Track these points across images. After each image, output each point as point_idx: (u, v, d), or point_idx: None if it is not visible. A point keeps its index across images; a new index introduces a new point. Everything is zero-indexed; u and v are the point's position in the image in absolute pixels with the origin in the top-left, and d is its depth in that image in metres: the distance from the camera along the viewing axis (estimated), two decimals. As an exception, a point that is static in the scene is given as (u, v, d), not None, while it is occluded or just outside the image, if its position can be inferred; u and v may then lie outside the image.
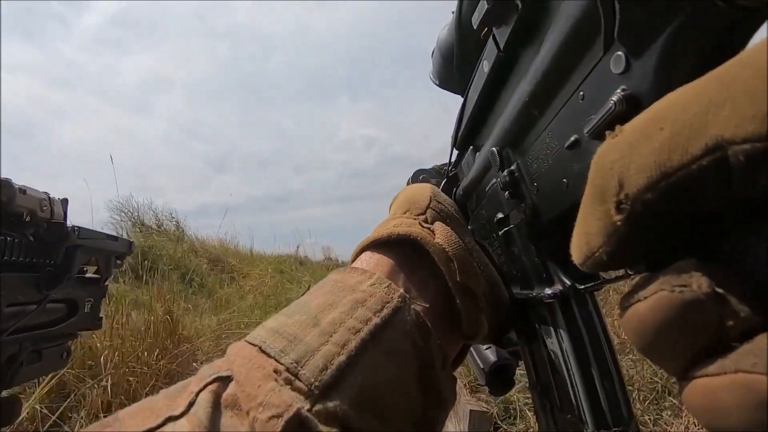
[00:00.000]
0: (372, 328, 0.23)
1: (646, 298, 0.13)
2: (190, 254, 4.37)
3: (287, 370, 0.21)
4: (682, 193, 0.12)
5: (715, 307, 0.11)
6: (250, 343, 0.23)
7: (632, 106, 0.16)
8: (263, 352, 0.22)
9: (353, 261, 0.31)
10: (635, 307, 0.14)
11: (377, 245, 0.30)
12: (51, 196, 0.56)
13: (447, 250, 0.28)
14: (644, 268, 0.16)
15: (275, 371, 0.21)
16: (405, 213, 0.31)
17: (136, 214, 4.93)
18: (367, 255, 0.30)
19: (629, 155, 0.13)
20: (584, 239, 0.15)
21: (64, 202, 0.59)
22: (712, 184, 0.11)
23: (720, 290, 0.12)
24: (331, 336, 0.22)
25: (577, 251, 0.16)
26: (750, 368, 0.11)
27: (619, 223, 0.14)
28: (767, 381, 0.10)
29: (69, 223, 0.58)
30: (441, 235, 0.29)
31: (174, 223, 5.24)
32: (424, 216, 0.30)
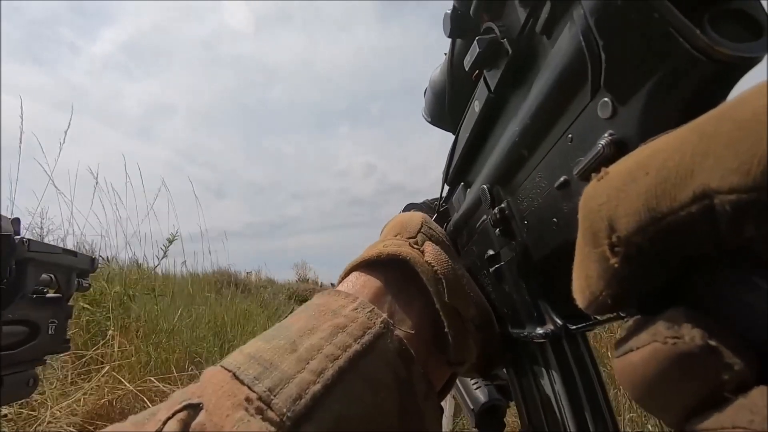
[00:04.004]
0: (351, 355, 0.22)
1: (638, 348, 0.13)
2: None
3: (259, 398, 0.20)
4: (672, 237, 0.12)
5: (709, 359, 0.11)
6: (225, 369, 0.22)
7: (620, 150, 0.16)
8: (237, 378, 0.21)
9: (340, 282, 0.30)
10: (628, 358, 0.13)
11: (366, 266, 0.29)
12: (-1, 212, 0.53)
13: (436, 269, 0.28)
14: (636, 310, 0.16)
15: (247, 399, 0.20)
16: (396, 236, 0.31)
17: None
18: (354, 276, 0.29)
19: (616, 197, 0.14)
20: (585, 283, 0.15)
21: (16, 221, 0.55)
22: (700, 230, 0.12)
23: (713, 342, 0.11)
24: (307, 363, 0.22)
25: (580, 296, 0.16)
26: (747, 425, 0.10)
27: (616, 265, 0.14)
28: None
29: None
30: (430, 254, 0.28)
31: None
32: (414, 239, 0.30)
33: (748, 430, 0.10)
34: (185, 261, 3.72)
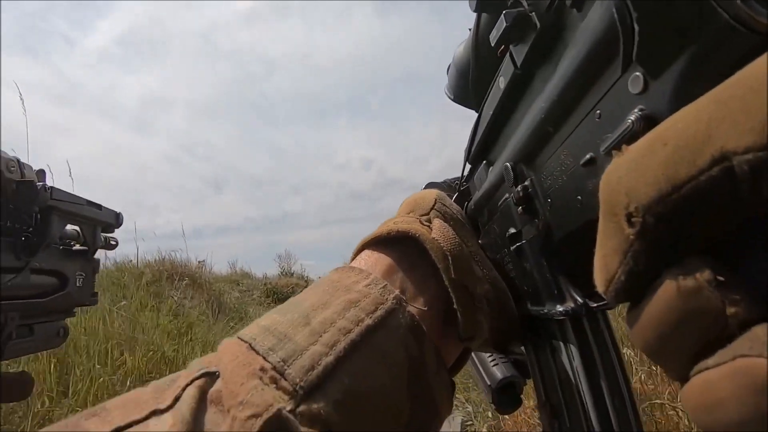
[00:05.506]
0: (363, 329, 0.23)
1: (652, 293, 0.13)
2: None
3: (273, 368, 0.21)
4: (693, 205, 0.12)
5: (715, 293, 0.12)
6: (241, 340, 0.23)
7: (650, 125, 0.16)
8: (252, 349, 0.22)
9: (353, 259, 0.31)
10: (641, 304, 0.14)
11: (377, 243, 0.30)
12: (21, 161, 0.53)
13: (442, 245, 0.28)
14: None
15: (261, 369, 0.21)
16: (409, 213, 0.31)
17: None
18: (366, 253, 0.30)
19: (635, 169, 0.14)
20: (603, 262, 0.15)
21: (41, 172, 0.56)
22: (721, 195, 0.12)
23: (721, 278, 0.12)
24: (320, 336, 0.22)
25: (598, 277, 0.16)
26: (747, 352, 0.11)
27: (632, 236, 0.14)
28: (766, 363, 0.10)
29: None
30: (437, 230, 0.29)
31: None
32: (427, 216, 0.31)
33: (748, 357, 0.11)
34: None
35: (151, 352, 2.41)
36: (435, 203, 0.32)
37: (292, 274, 7.53)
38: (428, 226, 0.29)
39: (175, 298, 3.44)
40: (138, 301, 3.00)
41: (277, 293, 5.83)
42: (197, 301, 3.69)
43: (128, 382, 2.16)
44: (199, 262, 4.82)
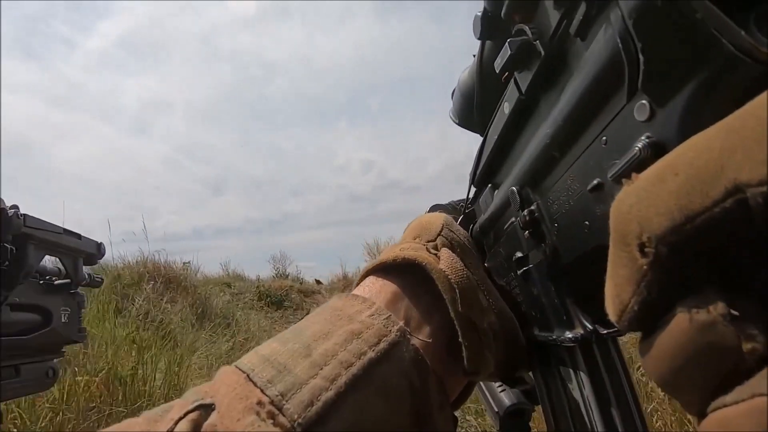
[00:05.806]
0: (365, 363, 0.22)
1: (664, 325, 0.13)
2: None
3: (272, 402, 0.20)
4: (707, 235, 0.12)
5: (729, 328, 0.11)
6: (239, 369, 0.22)
7: (657, 152, 0.16)
8: (250, 380, 0.21)
9: (357, 285, 0.30)
10: (654, 336, 0.14)
11: (382, 269, 0.29)
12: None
13: (450, 276, 0.27)
14: None
15: (259, 403, 0.20)
16: (415, 239, 0.31)
17: None
18: (370, 280, 0.29)
19: (646, 198, 0.14)
20: (615, 292, 0.15)
21: (14, 207, 0.53)
22: (735, 226, 0.12)
23: (736, 312, 0.12)
24: (321, 368, 0.22)
25: (611, 307, 0.15)
26: (765, 391, 0.10)
27: (645, 266, 0.13)
28: None
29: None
30: (445, 261, 0.28)
31: None
32: (433, 243, 0.30)
33: (766, 395, 0.10)
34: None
35: (104, 371, 1.90)
36: (442, 229, 0.31)
37: (287, 276, 7.12)
38: (435, 254, 0.29)
39: (137, 304, 2.92)
40: (96, 309, 2.47)
41: (270, 296, 5.48)
42: (180, 306, 3.24)
43: (57, 418, 1.69)
44: (184, 263, 4.55)
